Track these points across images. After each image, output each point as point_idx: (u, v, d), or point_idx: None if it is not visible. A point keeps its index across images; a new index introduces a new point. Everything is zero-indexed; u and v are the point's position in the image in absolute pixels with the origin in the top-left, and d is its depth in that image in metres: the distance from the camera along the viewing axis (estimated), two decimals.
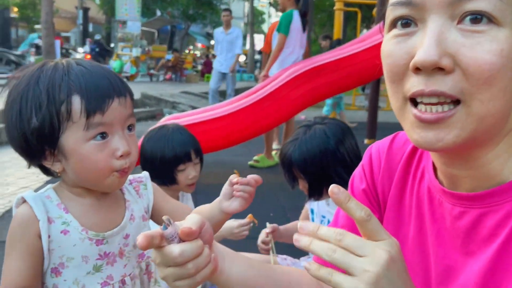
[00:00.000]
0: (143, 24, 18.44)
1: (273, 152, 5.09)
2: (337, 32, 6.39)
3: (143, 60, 16.54)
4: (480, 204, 0.62)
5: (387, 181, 0.80)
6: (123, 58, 15.76)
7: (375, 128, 6.49)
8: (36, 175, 4.32)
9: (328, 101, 6.66)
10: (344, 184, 1.47)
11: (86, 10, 24.96)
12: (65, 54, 15.77)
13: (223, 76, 7.64)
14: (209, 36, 28.93)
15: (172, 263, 0.60)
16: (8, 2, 26.85)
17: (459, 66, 0.54)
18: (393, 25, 0.61)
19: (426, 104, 0.57)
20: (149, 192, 1.01)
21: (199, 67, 20.19)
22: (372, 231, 0.55)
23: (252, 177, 0.99)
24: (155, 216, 1.02)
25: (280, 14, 5.04)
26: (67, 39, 23.11)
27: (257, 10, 41.64)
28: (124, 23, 15.83)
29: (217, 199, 1.01)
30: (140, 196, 0.99)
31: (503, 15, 0.53)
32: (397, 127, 0.66)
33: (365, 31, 12.15)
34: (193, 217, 0.65)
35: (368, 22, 12.19)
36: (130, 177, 1.00)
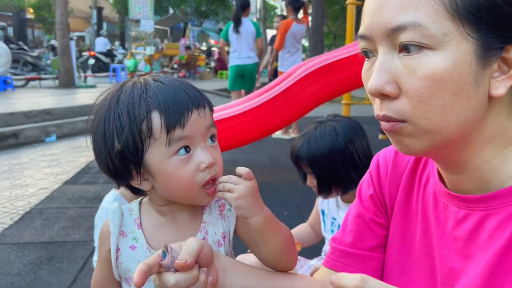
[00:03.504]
0: (156, 22, 18.56)
1: None
2: (350, 26, 6.34)
3: (157, 58, 16.66)
4: (483, 206, 0.64)
5: (394, 186, 0.82)
6: (137, 57, 15.91)
7: None
8: (54, 176, 4.38)
9: None
10: (352, 183, 1.47)
11: (100, 10, 25.26)
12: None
13: None
14: None
15: None
16: (24, 4, 27.28)
17: (402, 91, 0.59)
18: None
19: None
20: (232, 214, 0.90)
21: (212, 64, 20.25)
22: None
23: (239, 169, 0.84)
24: (239, 235, 0.92)
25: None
26: (82, 38, 23.38)
27: (269, 4, 41.46)
28: (137, 21, 15.95)
29: None
30: (223, 218, 0.90)
31: (433, 40, 0.56)
32: None
33: None
34: (192, 244, 0.68)
35: None
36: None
